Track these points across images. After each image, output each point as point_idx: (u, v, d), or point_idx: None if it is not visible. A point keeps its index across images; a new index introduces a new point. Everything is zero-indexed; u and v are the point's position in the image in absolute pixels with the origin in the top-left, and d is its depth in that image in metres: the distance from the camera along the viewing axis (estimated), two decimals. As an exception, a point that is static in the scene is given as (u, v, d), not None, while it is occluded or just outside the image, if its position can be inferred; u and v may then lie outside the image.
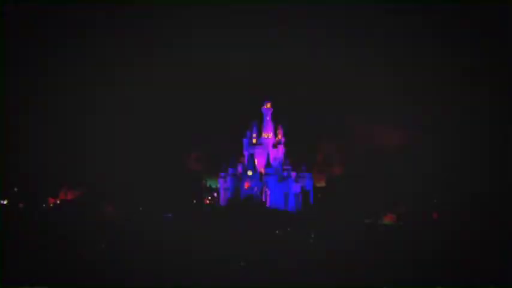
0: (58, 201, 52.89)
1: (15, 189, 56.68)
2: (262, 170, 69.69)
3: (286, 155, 75.18)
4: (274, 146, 75.02)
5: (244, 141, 75.58)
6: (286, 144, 76.98)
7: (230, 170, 70.97)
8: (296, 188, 69.70)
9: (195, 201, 65.41)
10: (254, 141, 74.69)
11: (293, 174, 71.52)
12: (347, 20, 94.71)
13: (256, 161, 71.20)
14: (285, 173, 70.39)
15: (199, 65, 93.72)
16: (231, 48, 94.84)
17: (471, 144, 61.48)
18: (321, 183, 74.81)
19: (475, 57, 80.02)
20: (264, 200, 64.22)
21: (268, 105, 77.01)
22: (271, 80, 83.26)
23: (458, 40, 79.61)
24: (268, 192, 65.49)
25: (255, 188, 67.44)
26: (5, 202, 52.65)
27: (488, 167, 54.13)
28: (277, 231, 40.68)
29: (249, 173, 69.66)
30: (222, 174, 72.12)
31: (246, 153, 74.26)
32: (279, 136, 76.96)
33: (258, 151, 72.76)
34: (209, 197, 71.54)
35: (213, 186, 77.19)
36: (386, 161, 67.28)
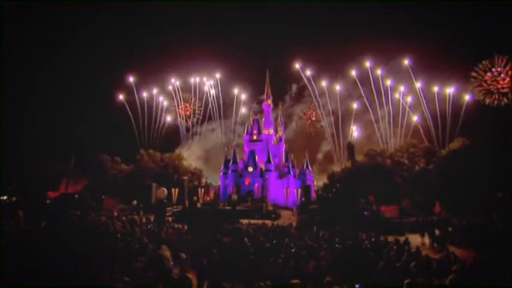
0: (57, 195, 52.53)
1: (14, 184, 56.32)
2: (263, 166, 69.50)
3: (287, 151, 75.18)
4: (275, 142, 74.98)
5: (245, 137, 75.58)
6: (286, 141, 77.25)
7: (231, 166, 70.87)
8: (297, 184, 69.52)
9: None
10: (255, 137, 74.63)
11: (294, 170, 71.41)
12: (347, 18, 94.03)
13: (257, 157, 71.06)
14: (286, 169, 70.26)
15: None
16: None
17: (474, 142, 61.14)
18: (323, 179, 74.67)
19: (477, 56, 79.45)
20: (264, 195, 64.00)
21: (269, 101, 77.07)
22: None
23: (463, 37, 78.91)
24: (269, 188, 65.21)
25: (256, 184, 67.23)
26: (5, 198, 52.30)
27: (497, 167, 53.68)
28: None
29: (250, 169, 69.53)
30: (223, 170, 72.03)
31: (246, 149, 74.22)
32: (280, 133, 76.96)
33: (258, 147, 72.66)
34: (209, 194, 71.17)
35: (214, 184, 77.08)
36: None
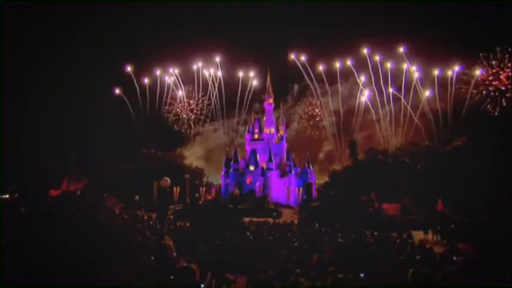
0: (59, 193, 52.58)
1: (14, 184, 56.37)
2: (264, 165, 69.52)
3: (289, 150, 75.21)
4: (277, 141, 74.98)
5: (247, 136, 75.62)
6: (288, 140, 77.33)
7: (232, 165, 70.88)
8: (298, 182, 69.50)
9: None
10: (256, 136, 74.66)
11: (295, 169, 71.39)
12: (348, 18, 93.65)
13: (258, 156, 71.07)
14: (287, 168, 70.25)
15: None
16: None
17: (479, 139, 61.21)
18: (324, 178, 74.59)
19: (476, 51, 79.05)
20: (266, 194, 64.15)
21: (270, 100, 77.11)
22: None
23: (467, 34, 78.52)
24: (271, 187, 65.28)
25: (257, 183, 67.20)
26: (7, 196, 52.47)
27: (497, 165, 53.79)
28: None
29: (251, 168, 69.51)
30: (224, 169, 72.02)
31: (248, 148, 74.23)
32: (281, 132, 76.94)
33: (260, 146, 72.71)
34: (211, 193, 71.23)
35: (215, 183, 77.23)
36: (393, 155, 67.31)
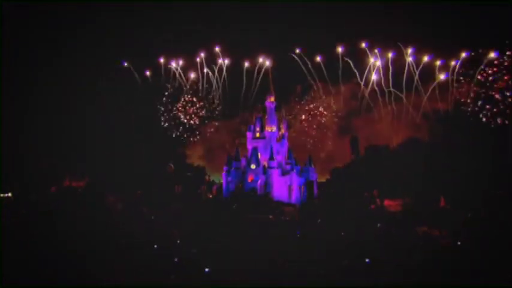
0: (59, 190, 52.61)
1: (14, 184, 56.37)
2: (266, 164, 69.27)
3: (290, 148, 74.93)
4: (278, 139, 74.65)
5: (248, 134, 75.21)
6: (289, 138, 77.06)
7: (234, 164, 70.60)
8: (300, 181, 69.23)
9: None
10: (257, 134, 74.27)
11: (297, 167, 71.16)
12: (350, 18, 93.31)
13: (259, 154, 70.80)
14: (289, 167, 69.96)
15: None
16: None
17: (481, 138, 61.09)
18: (325, 176, 74.44)
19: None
20: (267, 192, 64.12)
21: (272, 99, 76.73)
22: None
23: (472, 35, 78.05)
24: (272, 185, 65.14)
25: (259, 181, 67.02)
26: (10, 194, 52.60)
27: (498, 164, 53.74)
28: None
29: (253, 166, 69.24)
30: (226, 168, 71.71)
31: (249, 146, 73.83)
32: (283, 130, 76.63)
33: (261, 145, 72.38)
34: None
35: (216, 181, 77.05)
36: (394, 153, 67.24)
